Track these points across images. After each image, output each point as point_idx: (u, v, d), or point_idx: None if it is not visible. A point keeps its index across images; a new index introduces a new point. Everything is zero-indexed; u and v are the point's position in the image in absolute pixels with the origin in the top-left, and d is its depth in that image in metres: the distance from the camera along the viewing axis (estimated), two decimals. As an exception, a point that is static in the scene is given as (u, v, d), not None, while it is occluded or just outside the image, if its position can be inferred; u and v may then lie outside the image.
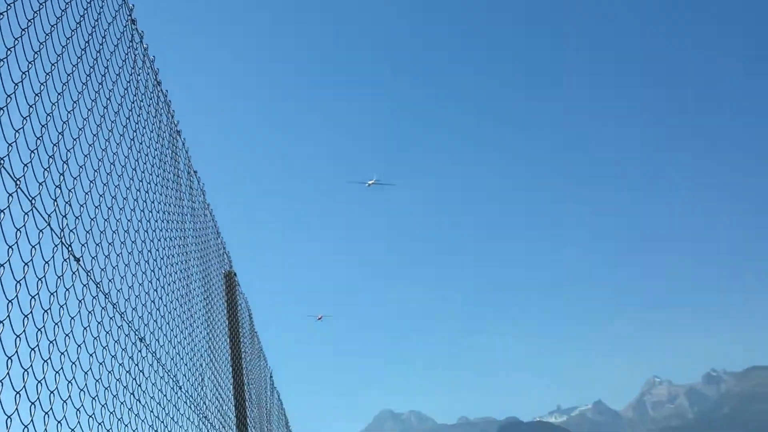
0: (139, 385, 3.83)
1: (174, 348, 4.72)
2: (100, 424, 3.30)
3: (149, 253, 4.30)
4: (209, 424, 5.72)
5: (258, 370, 10.49)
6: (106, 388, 3.43)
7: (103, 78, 4.00)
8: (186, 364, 5.05)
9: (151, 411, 3.99)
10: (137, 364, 3.81)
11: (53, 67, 3.21)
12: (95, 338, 3.24)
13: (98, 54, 3.90)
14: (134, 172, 4.36)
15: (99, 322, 3.29)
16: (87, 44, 3.72)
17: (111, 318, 3.44)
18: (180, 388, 4.78)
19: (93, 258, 3.32)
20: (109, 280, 3.51)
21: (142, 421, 3.80)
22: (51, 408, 2.80)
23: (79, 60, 3.61)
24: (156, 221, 4.59)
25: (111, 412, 3.46)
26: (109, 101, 4.17)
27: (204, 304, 6.36)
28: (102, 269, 3.44)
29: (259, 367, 10.79)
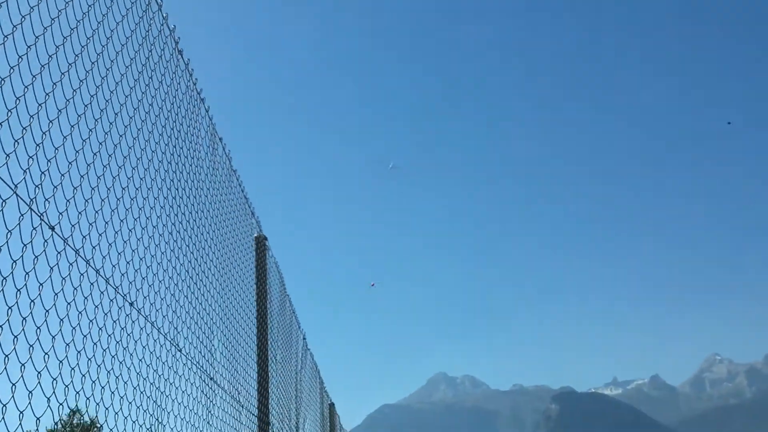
0: (125, 348, 3.95)
1: (175, 312, 4.83)
2: (78, 392, 3.43)
3: (147, 220, 4.40)
4: (215, 385, 5.85)
5: (288, 332, 10.66)
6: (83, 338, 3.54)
7: (112, 37, 4.07)
8: (190, 328, 5.17)
9: (138, 373, 4.11)
10: (123, 327, 3.92)
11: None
12: (69, 298, 3.35)
13: (108, 11, 3.96)
14: (139, 133, 4.44)
15: (74, 285, 3.39)
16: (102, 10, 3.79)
17: (88, 279, 3.54)
18: (180, 350, 4.90)
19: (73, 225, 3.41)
20: (93, 247, 3.61)
21: (126, 383, 3.91)
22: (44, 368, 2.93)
23: (98, 24, 3.69)
24: (158, 186, 4.68)
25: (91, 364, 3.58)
26: (125, 66, 4.26)
27: (221, 268, 6.47)
28: (74, 227, 3.52)
29: (290, 329, 10.95)
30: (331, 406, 17.64)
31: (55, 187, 3.26)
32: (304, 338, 12.52)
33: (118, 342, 3.88)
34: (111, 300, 3.81)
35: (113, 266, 3.85)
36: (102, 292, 3.70)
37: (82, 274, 3.49)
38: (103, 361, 3.68)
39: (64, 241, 3.32)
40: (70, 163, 3.43)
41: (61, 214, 3.30)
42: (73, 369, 3.36)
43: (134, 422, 4.06)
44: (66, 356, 3.29)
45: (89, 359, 3.51)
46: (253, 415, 7.59)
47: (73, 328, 3.39)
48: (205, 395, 5.53)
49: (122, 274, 3.97)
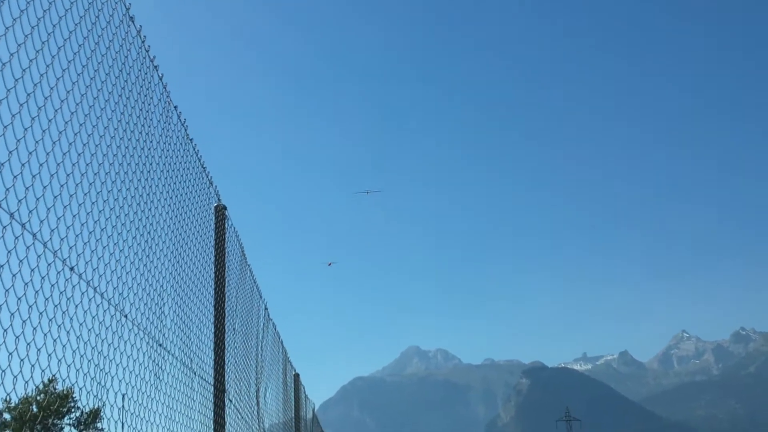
0: (65, 312, 3.98)
1: (120, 278, 4.87)
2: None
3: (88, 185, 4.41)
4: (165, 352, 5.91)
5: (248, 302, 10.71)
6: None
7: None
8: (137, 294, 5.21)
9: (78, 336, 4.15)
10: (63, 291, 3.96)
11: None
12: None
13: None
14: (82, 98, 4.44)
15: (8, 248, 3.41)
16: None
17: (24, 242, 3.56)
18: (126, 316, 4.94)
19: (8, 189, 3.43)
20: (30, 211, 3.63)
21: (64, 346, 3.96)
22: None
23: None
24: (103, 152, 4.68)
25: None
26: (69, 31, 4.25)
27: (175, 237, 6.49)
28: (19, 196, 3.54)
29: (251, 298, 11.00)
30: (296, 376, 17.76)
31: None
32: (266, 308, 12.57)
33: (56, 305, 3.92)
34: (49, 264, 3.84)
35: (52, 230, 3.87)
36: (39, 256, 3.73)
37: (17, 238, 3.50)
38: (39, 323, 3.71)
39: (-2, 205, 3.34)
40: (5, 127, 3.44)
41: (-7, 177, 3.31)
42: (5, 331, 3.39)
43: (74, 385, 4.11)
44: (-2, 319, 3.32)
45: (23, 321, 3.54)
46: (208, 383, 7.66)
47: (7, 290, 3.41)
48: (153, 361, 5.58)
49: (62, 239, 3.99)
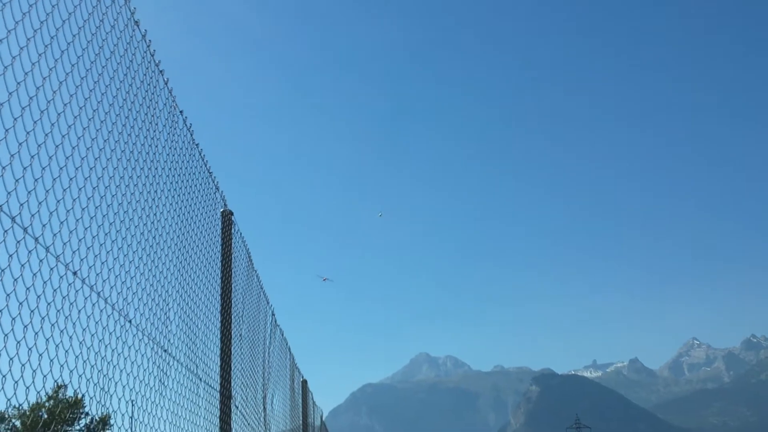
0: (67, 316, 3.96)
1: (124, 283, 4.84)
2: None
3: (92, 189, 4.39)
4: (170, 357, 5.88)
5: (255, 308, 10.69)
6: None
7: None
8: (141, 299, 5.18)
9: (81, 341, 4.12)
10: (66, 296, 3.93)
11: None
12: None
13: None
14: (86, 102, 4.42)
15: (9, 252, 3.39)
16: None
17: (26, 246, 3.54)
18: (130, 322, 4.92)
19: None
20: (32, 215, 3.61)
21: (67, 351, 3.93)
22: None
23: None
24: (107, 156, 4.66)
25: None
26: (72, 35, 4.24)
27: (180, 242, 6.46)
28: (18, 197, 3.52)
29: (257, 304, 10.97)
30: (304, 383, 17.71)
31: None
32: (273, 314, 12.54)
33: (59, 310, 3.89)
34: (52, 268, 3.81)
35: (54, 234, 3.85)
36: (41, 260, 3.70)
37: (18, 242, 3.48)
38: (41, 327, 3.68)
39: (-1, 208, 3.32)
40: (7, 130, 3.42)
41: (-5, 180, 3.29)
42: (6, 336, 3.37)
43: (77, 390, 4.08)
44: (-1, 324, 3.29)
45: (25, 326, 3.52)
46: (214, 389, 7.62)
47: (8, 294, 3.39)
48: (158, 367, 5.55)
49: (65, 243, 3.97)
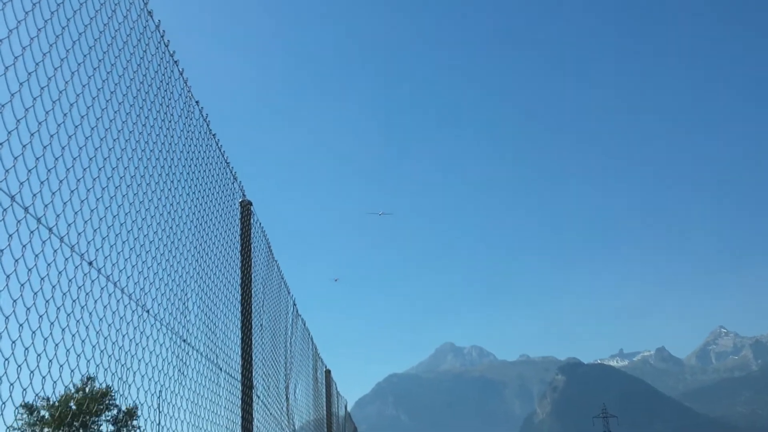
0: (83, 306, 3.96)
1: (141, 273, 4.85)
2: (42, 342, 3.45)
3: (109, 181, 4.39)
4: (190, 347, 5.89)
5: (276, 298, 10.69)
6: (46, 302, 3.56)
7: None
8: (159, 289, 5.19)
9: (98, 331, 4.13)
10: (81, 286, 3.94)
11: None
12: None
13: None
14: (99, 93, 4.41)
15: (23, 242, 3.39)
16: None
17: (39, 237, 3.55)
18: (147, 312, 4.92)
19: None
20: (46, 205, 3.62)
21: (83, 341, 3.94)
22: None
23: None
24: (121, 147, 4.66)
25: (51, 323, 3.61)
26: (84, 25, 4.23)
27: (198, 232, 6.47)
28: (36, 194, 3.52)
29: (278, 294, 10.98)
30: (328, 372, 17.74)
31: (1, 144, 3.26)
32: (295, 304, 12.55)
33: (74, 300, 3.90)
34: (66, 258, 3.82)
35: (69, 224, 3.85)
36: (56, 250, 3.71)
37: (32, 232, 3.49)
38: (57, 317, 3.69)
39: (11, 199, 3.32)
40: (18, 120, 3.42)
41: (7, 171, 3.29)
42: (21, 326, 3.37)
43: (92, 380, 4.10)
44: (13, 312, 3.30)
45: (40, 316, 3.52)
46: (235, 379, 7.64)
47: (22, 284, 3.39)
48: (177, 356, 5.56)
49: (79, 233, 3.97)
